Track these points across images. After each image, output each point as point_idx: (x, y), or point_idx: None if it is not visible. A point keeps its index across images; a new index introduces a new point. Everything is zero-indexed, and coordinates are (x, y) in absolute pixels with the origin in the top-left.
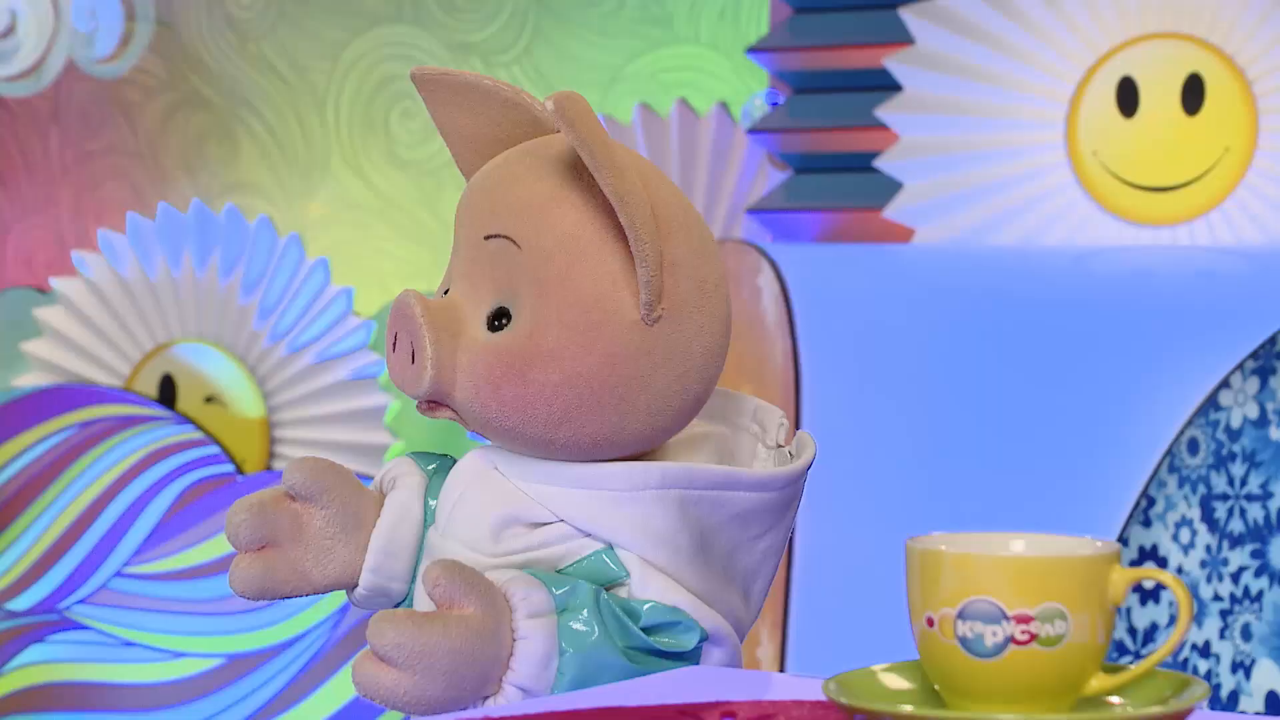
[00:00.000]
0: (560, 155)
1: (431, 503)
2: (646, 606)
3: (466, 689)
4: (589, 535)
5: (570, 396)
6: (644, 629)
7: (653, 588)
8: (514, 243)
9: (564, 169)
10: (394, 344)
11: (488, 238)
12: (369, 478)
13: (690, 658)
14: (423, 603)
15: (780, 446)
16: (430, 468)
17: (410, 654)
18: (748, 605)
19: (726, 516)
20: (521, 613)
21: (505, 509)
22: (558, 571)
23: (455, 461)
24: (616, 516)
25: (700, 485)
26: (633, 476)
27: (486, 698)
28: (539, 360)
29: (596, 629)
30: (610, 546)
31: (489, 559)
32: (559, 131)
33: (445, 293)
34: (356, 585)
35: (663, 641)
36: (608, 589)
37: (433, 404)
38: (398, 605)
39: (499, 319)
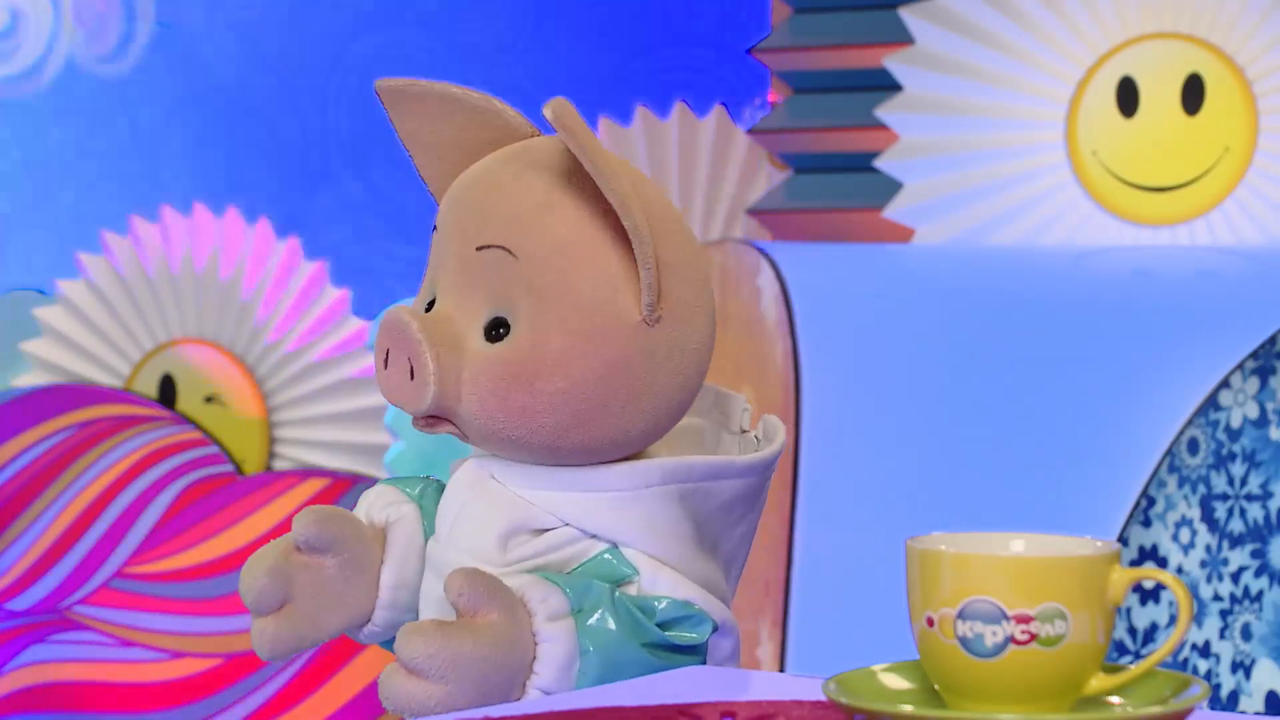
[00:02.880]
0: (545, 161)
1: (427, 525)
2: (660, 602)
3: (494, 696)
4: (594, 537)
5: (578, 404)
6: (659, 624)
7: (663, 583)
8: (509, 252)
9: (552, 175)
10: (385, 361)
11: (480, 249)
12: (370, 479)
13: (701, 651)
14: (430, 615)
15: (745, 432)
16: (415, 491)
17: (442, 664)
18: (729, 592)
19: (715, 505)
20: (541, 616)
21: (509, 518)
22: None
23: (438, 480)
24: (622, 516)
25: (697, 477)
26: (635, 476)
27: (511, 702)
28: (545, 369)
29: (615, 626)
30: (615, 546)
31: (498, 569)
32: (532, 135)
33: (430, 304)
34: (366, 623)
35: (678, 635)
36: (618, 588)
37: (432, 419)
38: None
39: (496, 329)
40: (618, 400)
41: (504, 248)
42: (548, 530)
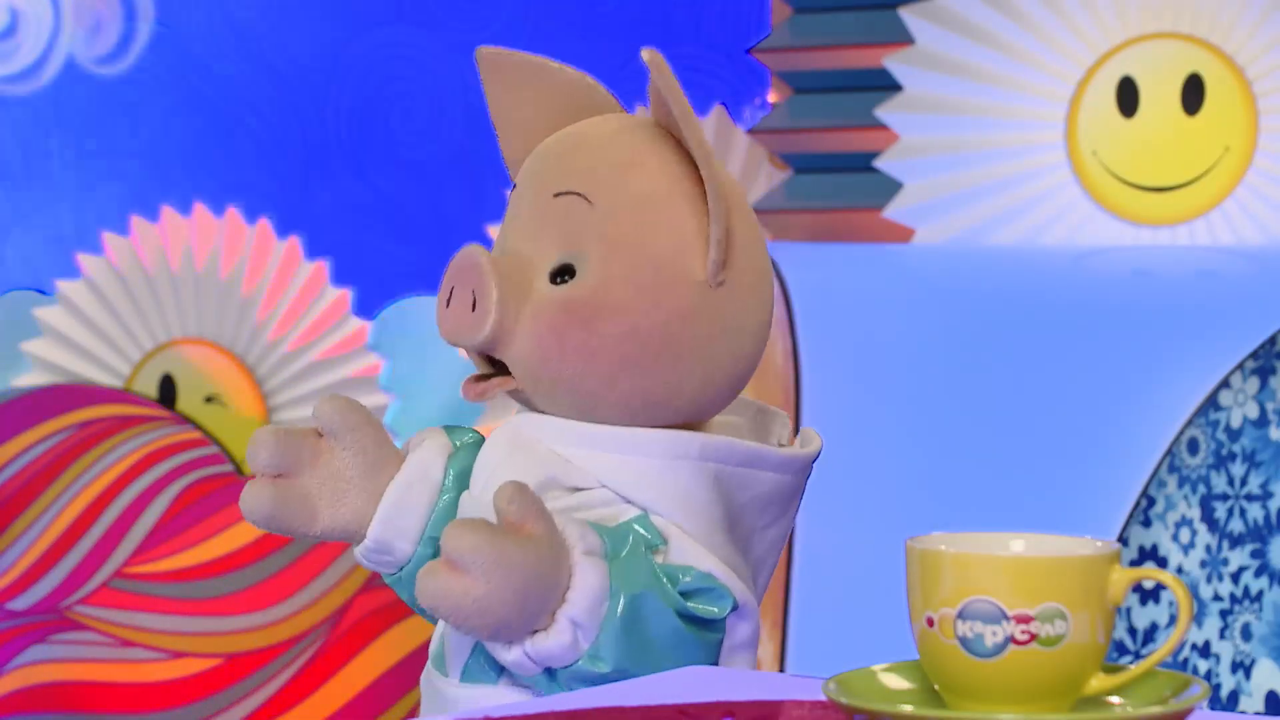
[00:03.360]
0: (631, 124)
1: (451, 471)
2: (686, 574)
3: (528, 610)
4: (628, 502)
5: (632, 349)
6: (681, 593)
7: (689, 554)
8: (586, 199)
9: (637, 137)
10: (449, 298)
11: (558, 195)
12: None
13: (719, 627)
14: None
15: (782, 447)
16: (459, 441)
17: (487, 561)
18: (755, 595)
19: (750, 497)
20: (579, 549)
21: (545, 473)
22: None
23: (486, 438)
24: (656, 484)
25: (735, 461)
26: (674, 445)
27: (537, 631)
28: (605, 311)
29: (646, 576)
30: (645, 514)
31: None
32: (620, 112)
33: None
34: (363, 540)
35: (699, 607)
36: None
37: (483, 375)
38: (401, 569)
39: (562, 275)
40: (671, 356)
41: (581, 194)
42: (582, 490)
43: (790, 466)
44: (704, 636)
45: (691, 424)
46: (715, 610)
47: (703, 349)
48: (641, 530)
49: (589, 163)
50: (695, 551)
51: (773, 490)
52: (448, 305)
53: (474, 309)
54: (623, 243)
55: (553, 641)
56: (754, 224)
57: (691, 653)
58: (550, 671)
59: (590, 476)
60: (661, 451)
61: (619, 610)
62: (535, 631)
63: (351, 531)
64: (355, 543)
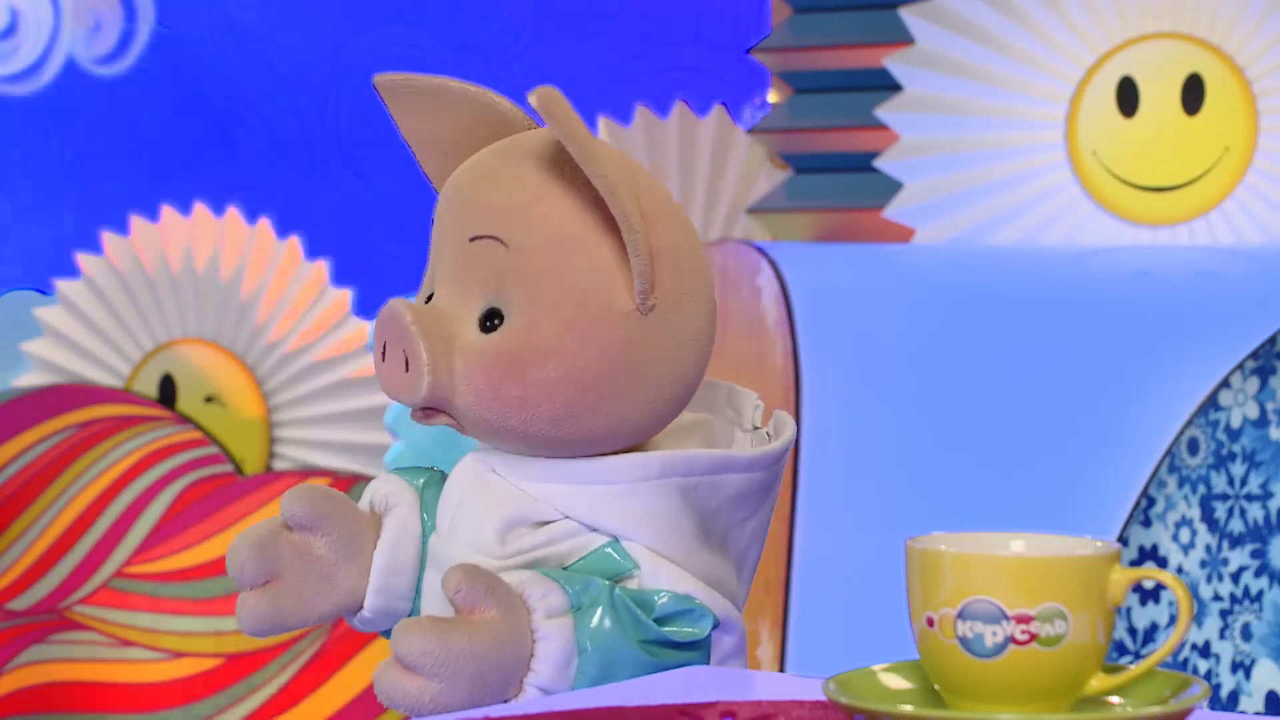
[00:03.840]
0: (537, 152)
1: (425, 516)
2: (660, 597)
3: (489, 692)
4: (594, 530)
5: (571, 392)
6: (657, 619)
7: (663, 577)
8: (501, 242)
9: (544, 165)
10: (383, 353)
11: (473, 239)
12: (370, 479)
13: (702, 646)
14: (432, 610)
15: (757, 429)
16: (419, 482)
17: (436, 661)
18: (740, 589)
19: (721, 500)
20: (540, 613)
21: (508, 511)
22: (566, 568)
23: (443, 472)
24: (621, 509)
25: (698, 471)
26: (633, 469)
27: (508, 699)
28: (537, 358)
29: (614, 624)
30: (616, 540)
31: (497, 561)
32: (529, 128)
33: (429, 298)
34: (359, 609)
35: (677, 631)
36: (617, 582)
37: (429, 410)
38: None
39: (491, 320)
40: (612, 390)
41: (496, 238)
42: (548, 523)
43: (759, 464)
44: (686, 659)
45: (652, 436)
46: (695, 632)
47: (642, 374)
48: (614, 555)
49: (499, 201)
50: (670, 573)
51: (744, 489)
52: (383, 359)
53: (407, 370)
54: (543, 283)
55: (502, 708)
56: (681, 228)
57: None
58: None
59: (553, 509)
60: (622, 476)
61: (590, 667)
62: (506, 700)
63: (348, 606)
64: (351, 614)
